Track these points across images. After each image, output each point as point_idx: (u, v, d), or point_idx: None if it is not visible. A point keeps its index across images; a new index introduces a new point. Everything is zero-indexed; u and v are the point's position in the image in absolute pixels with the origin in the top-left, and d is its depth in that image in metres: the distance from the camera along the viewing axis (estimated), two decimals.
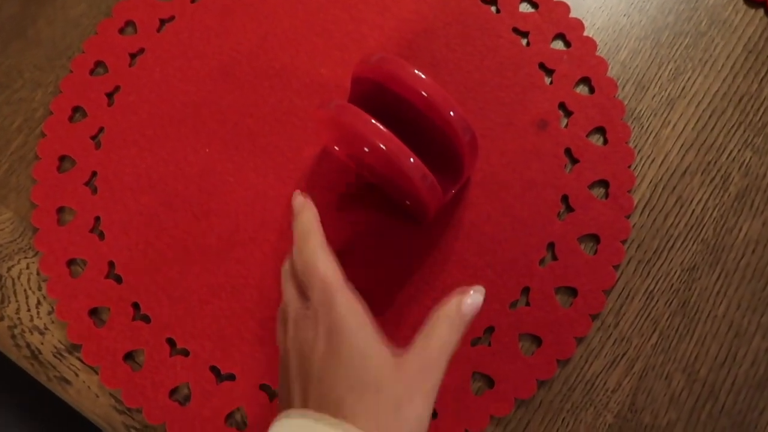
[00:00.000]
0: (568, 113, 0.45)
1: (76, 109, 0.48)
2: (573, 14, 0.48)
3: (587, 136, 0.45)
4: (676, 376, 0.41)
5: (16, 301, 0.44)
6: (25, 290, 0.44)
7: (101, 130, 0.47)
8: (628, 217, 0.43)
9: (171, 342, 0.42)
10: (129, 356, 0.42)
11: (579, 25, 0.47)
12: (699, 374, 0.41)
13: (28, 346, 0.43)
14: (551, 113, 0.45)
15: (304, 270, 0.33)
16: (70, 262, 0.44)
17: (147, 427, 0.41)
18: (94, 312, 0.43)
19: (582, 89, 0.46)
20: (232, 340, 0.42)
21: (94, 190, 0.46)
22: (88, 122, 0.47)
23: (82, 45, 0.49)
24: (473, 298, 0.33)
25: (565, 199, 0.44)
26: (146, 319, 0.43)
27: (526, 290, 0.42)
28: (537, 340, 0.41)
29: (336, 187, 0.44)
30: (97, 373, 0.42)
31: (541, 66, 0.47)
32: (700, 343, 0.41)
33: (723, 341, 0.41)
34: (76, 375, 0.42)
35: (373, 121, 0.35)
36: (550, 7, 0.48)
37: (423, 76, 0.36)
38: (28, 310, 0.44)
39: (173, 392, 0.41)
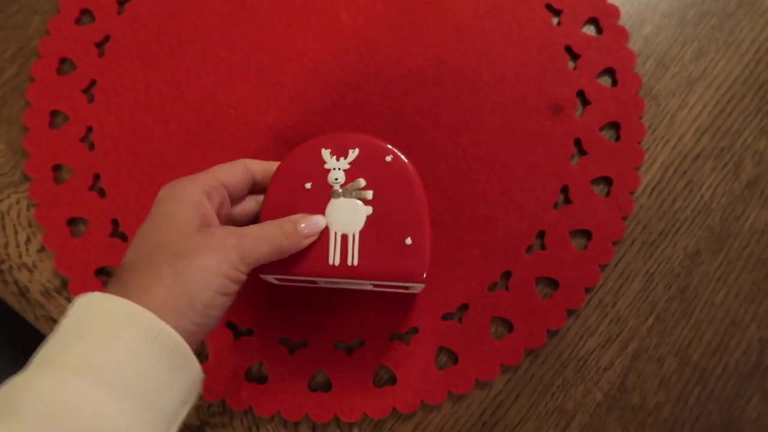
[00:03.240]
0: (586, 102, 0.44)
1: (84, 12, 0.46)
2: None
3: (600, 129, 0.43)
4: (669, 359, 0.41)
5: (5, 236, 0.43)
6: (14, 225, 0.43)
7: (107, 38, 0.46)
8: (625, 219, 0.42)
9: None
10: (101, 272, 0.42)
11: (615, 11, 0.45)
12: (691, 359, 0.41)
13: (15, 282, 0.42)
14: (568, 99, 0.44)
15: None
16: (56, 167, 0.43)
17: None
18: (72, 221, 0.42)
19: (605, 80, 0.44)
20: None
21: (91, 99, 0.44)
22: (94, 27, 0.46)
23: None
24: (314, 218, 0.35)
25: (564, 189, 0.43)
26: (124, 237, 0.42)
27: (507, 274, 0.41)
28: (509, 326, 0.41)
29: None
30: None
31: (567, 49, 0.45)
32: (695, 329, 0.41)
33: (718, 328, 0.41)
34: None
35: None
36: None
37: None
38: (17, 247, 0.43)
39: None
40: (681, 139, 0.44)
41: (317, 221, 0.35)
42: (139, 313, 0.28)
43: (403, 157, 0.36)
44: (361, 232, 0.35)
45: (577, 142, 0.43)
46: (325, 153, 0.36)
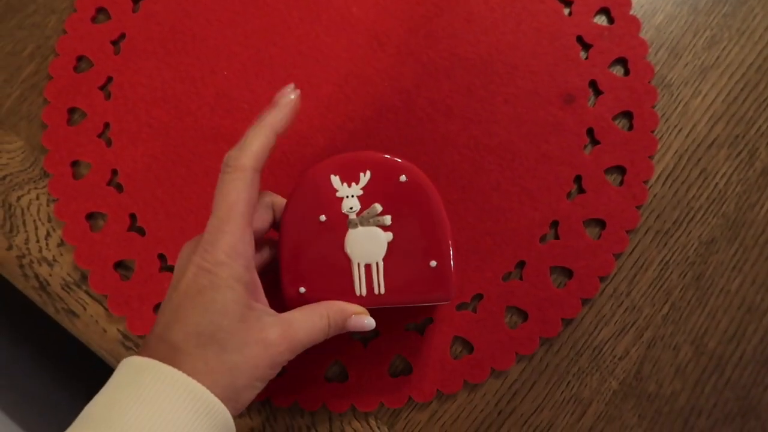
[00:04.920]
0: (598, 92, 0.44)
1: (99, 10, 0.47)
2: None
3: (613, 118, 0.43)
4: (684, 347, 0.41)
5: (25, 231, 0.44)
6: (34, 221, 0.44)
7: (122, 35, 0.46)
8: (639, 207, 0.42)
9: (162, 258, 0.42)
10: (120, 265, 0.43)
11: (626, 1, 0.45)
12: (707, 347, 0.41)
13: (36, 276, 0.43)
14: (580, 89, 0.44)
15: (218, 187, 0.32)
16: (74, 164, 0.44)
17: None
18: (91, 216, 0.43)
19: (617, 70, 0.44)
20: None
21: (108, 95, 0.45)
22: (110, 25, 0.46)
23: None
24: (365, 320, 0.34)
25: (578, 179, 0.43)
26: (141, 231, 0.43)
27: (521, 264, 0.41)
28: (523, 315, 0.41)
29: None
30: (104, 307, 0.42)
31: (579, 39, 0.45)
32: (710, 317, 0.41)
33: (734, 316, 0.41)
34: (84, 308, 0.42)
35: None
36: None
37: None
38: (37, 241, 0.43)
39: (158, 307, 0.42)
40: (694, 128, 0.44)
41: (365, 323, 0.34)
42: (193, 387, 0.28)
43: (416, 171, 0.34)
44: (384, 260, 0.34)
45: (590, 132, 0.43)
46: (335, 180, 0.34)
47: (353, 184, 0.34)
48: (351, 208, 0.34)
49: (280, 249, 0.35)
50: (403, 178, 0.34)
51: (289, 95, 0.34)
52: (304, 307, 0.33)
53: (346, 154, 0.35)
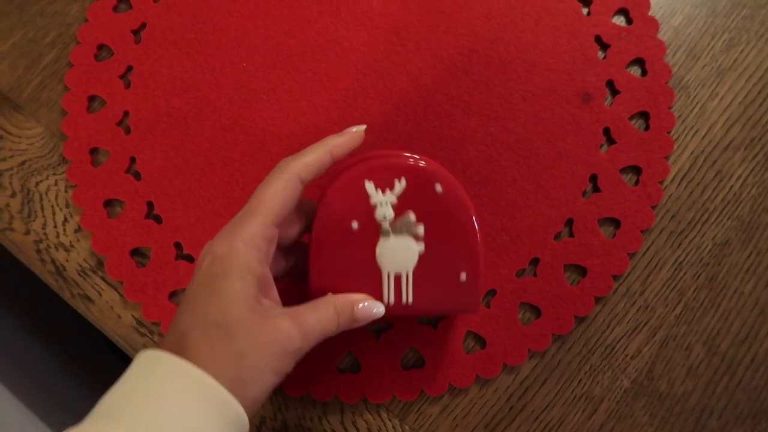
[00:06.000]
0: (615, 92, 0.44)
1: (121, 0, 0.47)
2: None
3: (630, 118, 0.43)
4: (697, 348, 0.41)
5: (43, 216, 0.44)
6: (52, 206, 0.44)
7: (143, 25, 0.47)
8: (654, 207, 0.42)
9: (178, 246, 0.43)
10: (136, 252, 0.43)
11: (645, 2, 0.45)
12: (719, 348, 0.41)
13: (53, 261, 0.43)
14: (597, 89, 0.44)
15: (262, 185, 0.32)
16: (93, 151, 0.44)
17: None
18: (108, 203, 0.43)
19: (634, 70, 0.45)
20: None
21: (128, 84, 0.45)
22: (131, 14, 0.47)
23: None
24: (373, 306, 0.34)
25: (593, 178, 0.43)
26: (158, 219, 0.43)
27: (535, 261, 0.42)
28: (536, 312, 0.41)
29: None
30: (119, 293, 0.42)
31: (597, 39, 0.45)
32: (723, 318, 0.41)
33: (747, 318, 0.41)
34: (99, 294, 0.43)
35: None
36: None
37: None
38: (55, 227, 0.44)
39: (173, 294, 0.42)
40: (711, 129, 0.44)
41: (374, 312, 0.34)
42: (202, 380, 0.28)
43: (452, 181, 0.33)
44: (414, 270, 0.34)
45: (606, 131, 0.43)
46: (369, 186, 0.33)
47: (388, 191, 0.33)
48: (384, 217, 0.33)
49: (310, 253, 0.34)
50: (438, 188, 0.33)
51: (358, 127, 0.35)
52: (312, 301, 0.33)
53: (380, 157, 0.34)
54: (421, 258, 0.34)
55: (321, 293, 0.34)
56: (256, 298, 0.31)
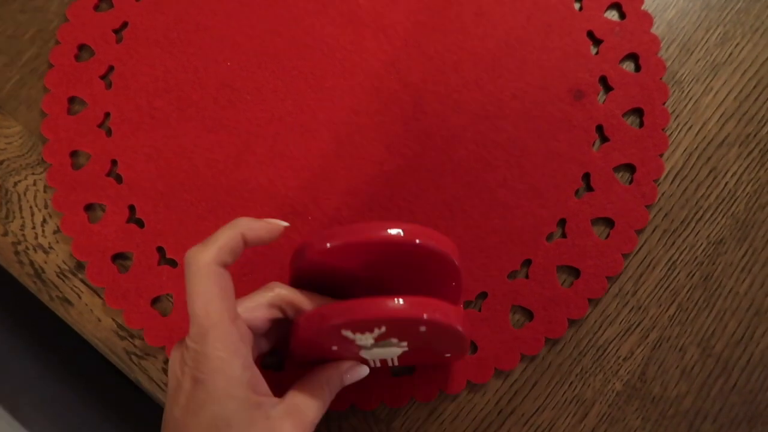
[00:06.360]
0: (608, 88, 0.43)
1: None
2: None
3: (623, 115, 0.43)
4: (691, 349, 0.40)
5: (21, 217, 0.43)
6: (30, 207, 0.43)
7: (125, 24, 0.45)
8: (648, 207, 0.41)
9: (161, 250, 0.42)
10: (118, 257, 0.42)
11: None
12: (714, 349, 0.40)
13: (31, 263, 0.42)
14: (590, 85, 0.43)
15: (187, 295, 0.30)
16: (73, 154, 0.43)
17: (148, 354, 0.40)
18: (89, 207, 0.42)
19: (628, 66, 0.44)
20: None
21: (109, 85, 0.44)
22: (113, 13, 0.45)
23: None
24: (358, 371, 0.35)
25: (586, 177, 0.42)
26: (140, 223, 0.42)
27: (527, 262, 0.41)
28: (528, 314, 0.40)
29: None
30: (100, 297, 0.41)
31: (590, 34, 0.44)
32: (718, 319, 0.40)
33: (742, 318, 0.40)
34: (79, 297, 0.42)
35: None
36: None
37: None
38: (33, 228, 0.43)
39: (155, 301, 0.41)
40: (705, 125, 0.43)
41: (360, 374, 0.35)
42: None
43: (438, 317, 0.30)
44: (399, 356, 0.35)
45: (599, 129, 0.42)
46: (347, 333, 0.31)
47: (367, 332, 0.31)
48: (365, 345, 0.32)
49: (290, 334, 0.34)
50: (422, 329, 0.31)
51: (277, 221, 0.33)
52: (302, 383, 0.33)
53: (358, 306, 0.30)
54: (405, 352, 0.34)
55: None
56: (253, 406, 0.30)
